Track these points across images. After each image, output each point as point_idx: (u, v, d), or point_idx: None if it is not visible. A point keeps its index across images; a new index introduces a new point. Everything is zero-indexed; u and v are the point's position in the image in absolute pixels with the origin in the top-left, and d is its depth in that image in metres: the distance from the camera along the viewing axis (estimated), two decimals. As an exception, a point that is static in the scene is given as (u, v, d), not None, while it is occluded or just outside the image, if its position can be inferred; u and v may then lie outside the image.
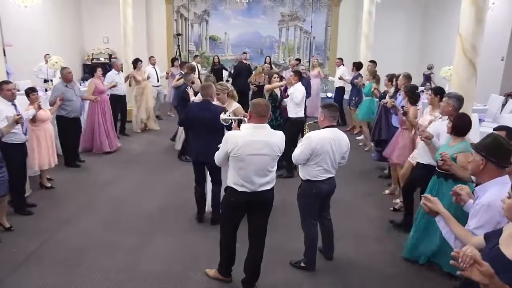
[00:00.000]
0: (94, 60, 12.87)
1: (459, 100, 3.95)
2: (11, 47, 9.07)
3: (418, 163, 4.37)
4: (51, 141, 5.65)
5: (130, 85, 8.79)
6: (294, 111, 6.22)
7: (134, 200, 5.43)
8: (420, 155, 4.30)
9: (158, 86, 9.73)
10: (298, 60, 10.48)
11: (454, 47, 4.80)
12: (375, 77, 7.58)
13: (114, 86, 7.70)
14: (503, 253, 1.74)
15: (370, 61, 8.82)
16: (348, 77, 9.39)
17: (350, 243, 4.38)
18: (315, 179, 3.62)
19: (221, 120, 4.37)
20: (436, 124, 4.24)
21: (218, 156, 3.33)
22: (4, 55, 5.65)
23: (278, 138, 3.29)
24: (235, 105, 4.88)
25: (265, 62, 10.55)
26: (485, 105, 8.36)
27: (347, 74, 9.59)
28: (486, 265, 1.55)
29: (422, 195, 2.43)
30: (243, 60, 10.84)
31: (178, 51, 12.86)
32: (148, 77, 9.07)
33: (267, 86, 6.60)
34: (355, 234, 4.61)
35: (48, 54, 9.33)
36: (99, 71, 7.31)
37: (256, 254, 3.48)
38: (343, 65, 9.92)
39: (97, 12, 12.99)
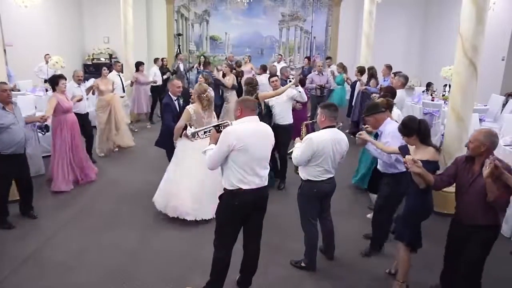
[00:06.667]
0: (95, 60, 12.85)
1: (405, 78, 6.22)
2: (11, 47, 9.07)
3: None
4: None
5: (93, 94, 7.01)
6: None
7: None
8: None
9: (123, 97, 8.22)
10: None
11: (455, 47, 4.80)
12: (344, 68, 9.51)
13: (79, 100, 6.09)
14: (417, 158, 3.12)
15: (326, 58, 11.20)
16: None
17: (351, 243, 4.37)
18: (316, 179, 3.62)
19: (188, 137, 4.27)
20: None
21: (213, 158, 3.04)
22: (5, 54, 5.52)
23: (269, 128, 3.34)
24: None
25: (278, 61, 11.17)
26: (486, 105, 8.36)
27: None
28: (419, 161, 3.01)
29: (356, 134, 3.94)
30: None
31: (178, 51, 12.85)
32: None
33: (262, 95, 5.66)
34: (355, 234, 4.60)
35: (48, 54, 9.32)
36: (62, 83, 5.48)
37: (255, 254, 3.41)
38: (284, 60, 11.88)
39: (98, 12, 12.98)
